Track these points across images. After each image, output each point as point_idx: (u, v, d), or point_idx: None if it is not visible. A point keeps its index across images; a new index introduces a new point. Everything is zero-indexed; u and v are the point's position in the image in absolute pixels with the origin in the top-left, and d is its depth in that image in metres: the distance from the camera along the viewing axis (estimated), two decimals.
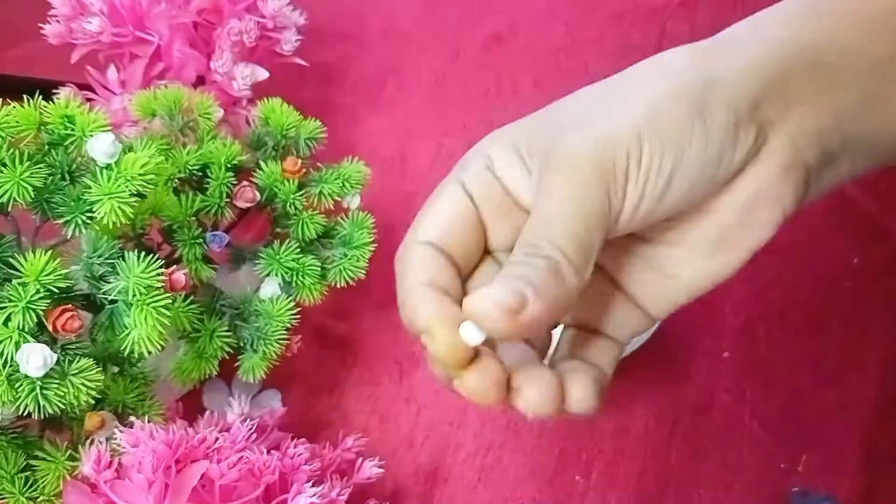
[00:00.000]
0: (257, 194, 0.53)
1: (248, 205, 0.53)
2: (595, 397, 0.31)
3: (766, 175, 0.32)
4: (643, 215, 0.31)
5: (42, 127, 0.44)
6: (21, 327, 0.40)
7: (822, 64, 0.32)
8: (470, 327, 0.28)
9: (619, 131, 0.30)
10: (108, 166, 0.43)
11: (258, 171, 0.53)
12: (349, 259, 0.54)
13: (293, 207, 0.53)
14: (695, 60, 0.32)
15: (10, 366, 0.40)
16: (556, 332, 0.35)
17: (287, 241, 0.53)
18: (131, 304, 0.43)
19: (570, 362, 0.33)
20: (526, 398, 0.29)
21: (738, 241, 0.33)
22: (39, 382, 0.41)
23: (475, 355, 0.29)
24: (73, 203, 0.44)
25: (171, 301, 0.43)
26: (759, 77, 0.31)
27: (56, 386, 0.41)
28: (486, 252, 0.34)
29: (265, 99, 0.56)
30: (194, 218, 0.52)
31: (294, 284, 0.53)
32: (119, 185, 0.43)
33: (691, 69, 0.31)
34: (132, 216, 0.43)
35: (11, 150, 0.42)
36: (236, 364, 0.52)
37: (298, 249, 0.53)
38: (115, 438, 0.44)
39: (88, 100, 0.58)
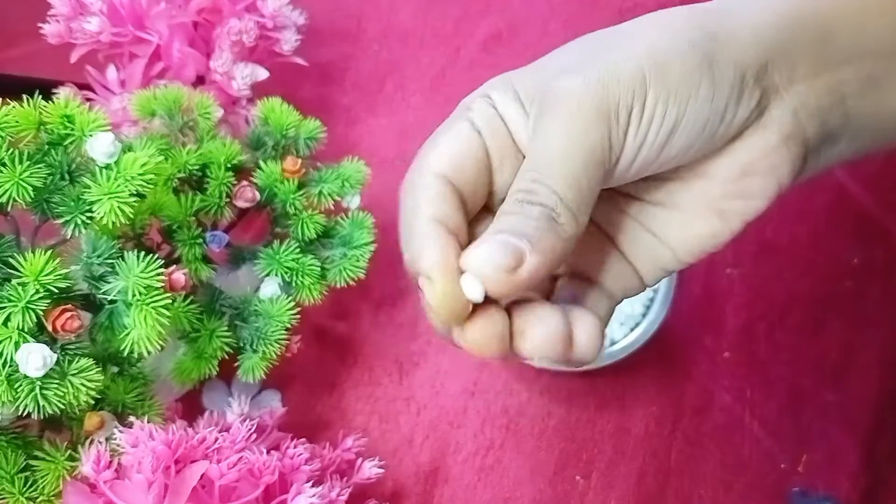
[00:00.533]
0: (257, 194, 0.53)
1: (248, 205, 0.53)
2: (600, 341, 0.30)
3: (765, 143, 0.31)
4: (641, 164, 0.30)
5: (41, 127, 0.44)
6: (20, 327, 0.40)
7: (829, 40, 0.32)
8: (472, 281, 0.27)
9: (624, 70, 0.29)
10: (107, 166, 0.43)
11: (258, 170, 0.53)
12: (349, 259, 0.54)
13: (293, 207, 0.53)
14: (698, 17, 0.31)
15: (10, 366, 0.40)
16: None
17: (287, 241, 0.53)
18: (131, 304, 0.43)
19: (569, 308, 0.31)
20: (532, 338, 0.29)
21: (730, 208, 0.32)
22: (39, 382, 0.41)
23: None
24: (72, 203, 0.43)
25: (170, 301, 0.43)
26: (767, 39, 0.31)
27: (56, 386, 0.41)
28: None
29: (265, 98, 0.56)
30: (194, 218, 0.52)
31: (294, 284, 0.53)
32: (119, 185, 0.43)
33: (695, 25, 0.31)
34: (132, 216, 0.43)
35: (11, 150, 0.42)
36: (236, 364, 0.52)
37: (298, 249, 0.53)
38: (115, 438, 0.44)
39: (88, 99, 0.58)
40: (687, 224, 0.33)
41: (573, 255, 0.32)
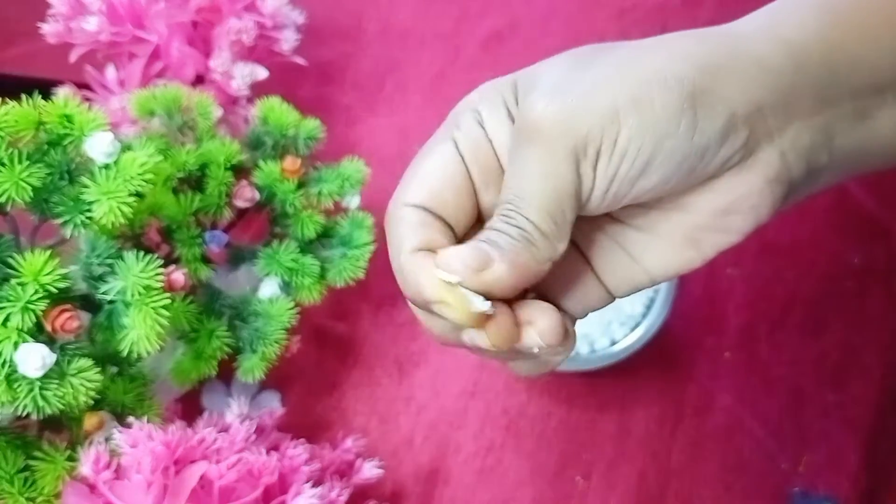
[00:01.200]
0: (256, 194, 0.52)
1: (247, 204, 0.53)
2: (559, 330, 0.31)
3: (748, 186, 0.31)
4: (614, 196, 0.30)
5: (40, 126, 0.44)
6: (20, 327, 0.40)
7: (832, 76, 0.32)
8: (474, 296, 0.29)
9: (596, 105, 0.29)
10: (106, 166, 0.43)
11: (257, 170, 0.53)
12: (348, 259, 0.54)
13: (292, 207, 0.53)
14: (701, 47, 0.31)
15: (9, 366, 0.40)
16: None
17: (286, 240, 0.53)
18: (130, 304, 0.43)
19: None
20: (542, 327, 0.30)
21: (706, 240, 0.32)
22: (38, 383, 0.41)
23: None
24: (71, 203, 0.43)
25: (169, 301, 0.43)
26: (770, 77, 0.31)
27: (55, 386, 0.41)
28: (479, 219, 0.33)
29: (264, 98, 0.56)
30: (193, 217, 0.52)
31: (293, 284, 0.53)
32: (118, 185, 0.43)
33: (696, 57, 0.30)
34: (131, 216, 0.43)
35: (10, 150, 0.42)
36: (235, 364, 0.52)
37: (298, 249, 0.53)
38: (114, 439, 0.44)
39: (87, 99, 0.58)
40: (663, 250, 0.33)
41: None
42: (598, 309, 0.35)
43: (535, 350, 0.30)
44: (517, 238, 0.29)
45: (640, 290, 0.34)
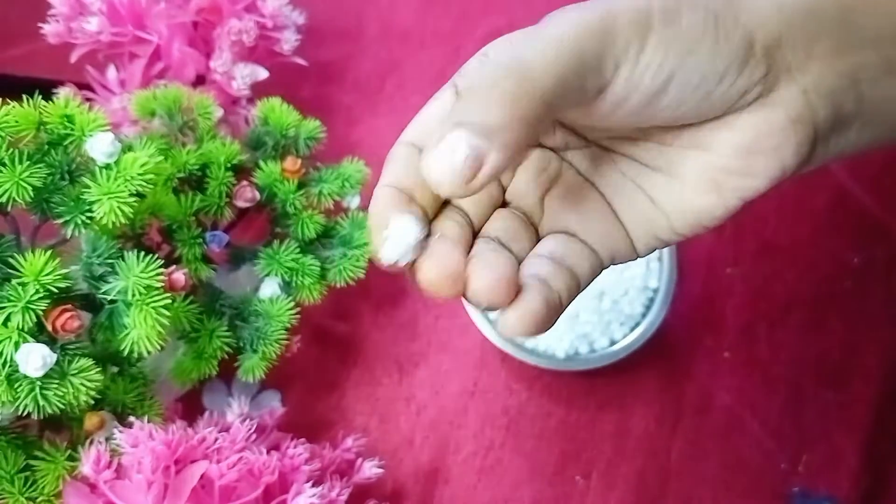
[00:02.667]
0: (257, 194, 0.53)
1: (248, 204, 0.53)
2: (533, 323, 0.29)
3: (771, 122, 0.30)
4: (629, 110, 0.29)
5: (41, 126, 0.44)
6: (20, 327, 0.40)
7: (850, 21, 0.31)
8: (392, 249, 0.29)
9: (628, 7, 0.28)
10: (107, 166, 0.43)
11: (258, 170, 0.53)
12: (349, 259, 0.54)
13: (293, 207, 0.53)
14: None
15: (10, 366, 0.40)
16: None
17: (287, 240, 0.53)
18: (131, 304, 0.43)
19: (542, 263, 0.31)
20: (472, 285, 0.28)
21: (729, 184, 0.31)
22: (39, 382, 0.41)
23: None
24: (72, 203, 0.44)
25: (170, 301, 0.43)
26: (785, 14, 0.30)
27: (55, 386, 0.41)
28: None
29: (265, 98, 0.56)
30: (194, 218, 0.52)
31: (294, 284, 0.53)
32: (118, 185, 0.43)
33: None
34: (131, 216, 0.43)
35: (11, 150, 0.42)
36: (236, 364, 0.52)
37: (298, 249, 0.53)
38: (115, 438, 0.44)
39: (88, 99, 0.58)
40: (684, 194, 0.32)
41: (562, 212, 0.32)
42: (622, 262, 0.33)
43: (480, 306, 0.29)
44: (504, 101, 0.26)
45: (661, 244, 0.33)
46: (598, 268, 0.33)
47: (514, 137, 0.26)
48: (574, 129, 0.34)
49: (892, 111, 0.33)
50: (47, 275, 0.41)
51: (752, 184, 0.31)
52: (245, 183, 0.53)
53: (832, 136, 0.32)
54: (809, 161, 0.32)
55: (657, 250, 0.51)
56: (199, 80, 0.60)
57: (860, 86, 0.31)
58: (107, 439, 0.46)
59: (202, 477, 0.43)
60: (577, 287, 0.32)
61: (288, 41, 0.60)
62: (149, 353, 0.43)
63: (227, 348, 0.51)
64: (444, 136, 0.26)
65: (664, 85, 0.29)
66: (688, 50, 0.29)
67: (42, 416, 0.42)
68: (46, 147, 0.44)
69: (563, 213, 0.33)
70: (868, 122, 0.33)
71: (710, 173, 0.31)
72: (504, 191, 0.34)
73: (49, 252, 0.42)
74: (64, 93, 0.58)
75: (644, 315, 0.57)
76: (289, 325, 0.52)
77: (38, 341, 0.41)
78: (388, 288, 0.62)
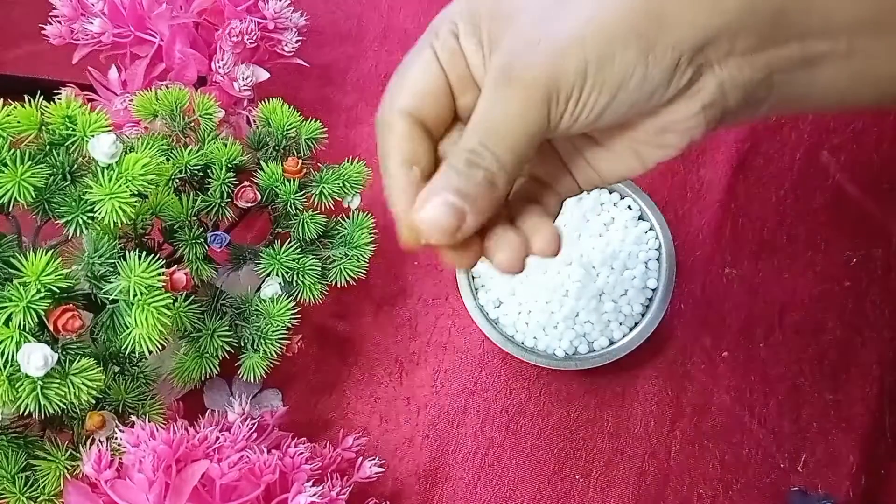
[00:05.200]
0: (258, 194, 0.53)
1: (249, 205, 0.53)
2: (558, 240, 0.36)
3: (686, 111, 0.34)
4: (575, 131, 0.35)
5: (43, 127, 0.44)
6: (22, 327, 0.40)
7: (779, 19, 0.33)
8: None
9: (569, 60, 0.33)
10: (109, 166, 0.43)
11: (259, 171, 0.54)
12: (349, 259, 0.54)
13: (294, 207, 0.53)
14: None
15: (11, 365, 0.40)
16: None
17: (287, 241, 0.53)
18: (132, 304, 0.43)
19: (526, 207, 0.38)
20: (499, 259, 0.35)
21: (647, 154, 0.37)
22: (40, 382, 0.41)
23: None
24: (74, 203, 0.44)
25: (171, 301, 0.44)
26: (713, 20, 0.33)
27: (57, 385, 0.41)
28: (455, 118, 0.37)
29: (266, 99, 0.56)
30: (195, 218, 0.52)
31: (294, 284, 0.53)
32: (120, 186, 0.43)
33: (647, 9, 0.33)
34: (133, 216, 0.43)
35: (13, 151, 0.42)
36: (237, 363, 0.53)
37: (299, 249, 0.53)
38: (116, 438, 0.44)
39: (90, 100, 0.58)
40: (612, 160, 0.38)
41: (536, 166, 0.39)
42: (574, 195, 0.40)
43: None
44: (482, 182, 0.33)
45: (598, 187, 0.40)
46: (560, 202, 0.40)
47: (486, 204, 0.34)
48: None
49: (801, 99, 0.36)
50: (49, 275, 0.41)
51: (666, 153, 0.37)
52: (246, 183, 0.53)
53: (740, 112, 0.35)
54: (716, 129, 0.36)
55: (655, 252, 0.59)
56: (201, 81, 0.60)
57: (773, 76, 0.34)
58: (108, 439, 0.46)
59: (203, 476, 0.43)
60: (552, 216, 0.39)
61: (289, 42, 0.60)
62: (150, 352, 0.43)
63: (228, 348, 0.51)
64: (432, 199, 0.33)
65: (601, 114, 0.34)
66: (619, 87, 0.33)
67: (43, 416, 0.42)
68: (48, 147, 0.44)
69: (538, 166, 0.39)
70: (776, 105, 0.36)
71: (634, 145, 0.37)
72: None
73: (51, 252, 0.42)
74: (66, 94, 0.58)
75: (643, 315, 0.57)
76: (289, 325, 0.52)
77: (39, 341, 0.41)
78: (388, 288, 0.62)
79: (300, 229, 0.53)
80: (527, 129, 0.33)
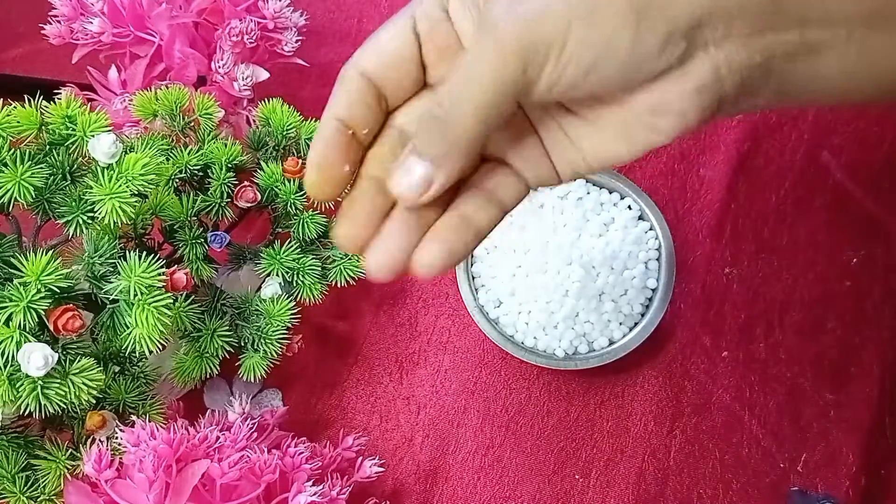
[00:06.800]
0: (258, 194, 0.53)
1: (249, 205, 0.53)
2: (434, 267, 0.34)
3: (679, 90, 0.33)
4: (556, 94, 0.33)
5: (43, 127, 0.44)
6: (22, 327, 0.40)
7: (778, 4, 0.33)
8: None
9: (551, 17, 0.31)
10: (109, 166, 0.43)
11: (259, 171, 0.54)
12: (349, 259, 0.54)
13: (293, 207, 0.53)
14: None
15: (12, 365, 0.40)
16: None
17: (287, 241, 0.53)
18: (132, 304, 0.43)
19: (465, 202, 0.36)
20: (368, 262, 0.34)
21: (636, 136, 0.35)
22: (40, 382, 0.41)
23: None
24: (74, 203, 0.44)
25: (172, 301, 0.44)
26: (765, 16, 0.32)
27: (57, 385, 0.41)
28: (425, 84, 0.37)
29: (266, 99, 0.56)
30: (195, 218, 0.52)
31: (294, 284, 0.53)
32: (120, 185, 0.43)
33: None
34: (133, 216, 0.43)
35: (13, 150, 0.42)
36: (237, 363, 0.53)
37: (299, 249, 0.53)
38: (116, 437, 0.44)
39: (89, 100, 0.58)
40: (599, 140, 0.36)
41: (506, 144, 0.37)
42: (547, 185, 0.37)
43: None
44: (448, 143, 0.32)
45: (577, 175, 0.37)
46: (525, 192, 0.37)
47: (455, 164, 0.33)
48: None
49: (802, 89, 0.35)
50: (49, 275, 0.41)
51: (657, 138, 0.34)
52: (246, 183, 0.53)
53: (740, 100, 0.34)
54: (713, 119, 0.35)
55: (655, 252, 0.58)
56: (201, 81, 0.60)
57: (772, 62, 0.33)
58: (108, 438, 0.46)
59: (203, 476, 0.43)
60: (502, 214, 0.36)
61: (289, 42, 0.60)
62: (150, 352, 0.43)
63: (228, 348, 0.51)
64: (405, 162, 0.33)
65: (584, 75, 0.32)
66: (606, 45, 0.31)
67: (43, 416, 0.42)
68: (48, 147, 0.44)
69: (503, 143, 0.37)
70: (777, 92, 0.35)
71: (623, 126, 0.35)
72: None
73: (51, 252, 0.42)
74: (65, 94, 0.58)
75: (643, 315, 0.57)
76: (289, 325, 0.52)
77: (39, 341, 0.41)
78: (388, 287, 0.62)
79: (300, 229, 0.53)
80: (499, 81, 0.32)
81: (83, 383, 0.42)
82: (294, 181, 0.53)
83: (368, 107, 0.36)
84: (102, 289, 0.44)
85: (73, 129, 0.44)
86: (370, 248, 0.35)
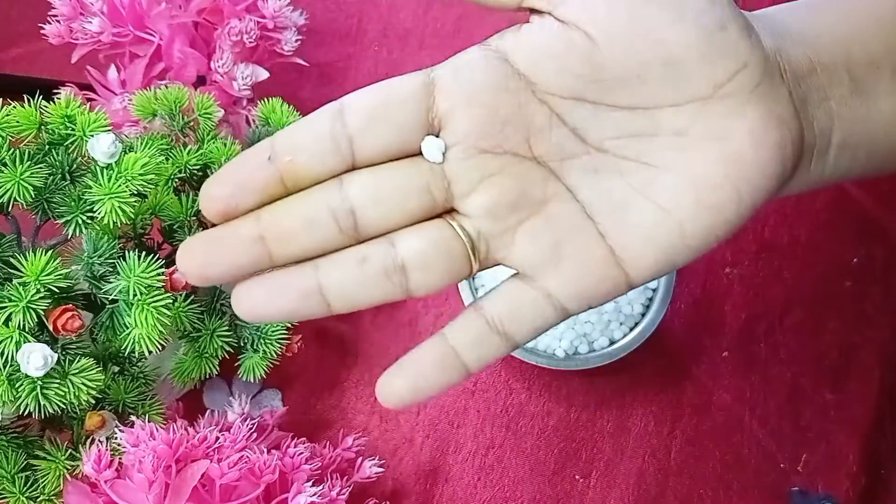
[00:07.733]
0: None
1: None
2: (401, 403, 0.31)
3: (767, 117, 0.29)
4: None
5: (42, 127, 0.44)
6: (21, 327, 0.40)
7: (818, 45, 0.33)
8: None
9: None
10: (108, 166, 0.43)
11: None
12: None
13: None
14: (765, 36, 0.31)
15: (11, 365, 0.40)
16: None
17: None
18: (132, 304, 0.43)
19: (471, 330, 0.30)
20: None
21: (745, 175, 0.28)
22: (40, 382, 0.41)
23: None
24: (73, 203, 0.44)
25: (171, 301, 0.44)
26: (812, 54, 0.32)
27: (56, 385, 0.41)
28: None
29: (265, 99, 0.56)
30: (195, 218, 0.52)
31: None
32: (119, 185, 0.43)
33: (766, 39, 0.31)
34: (133, 216, 0.43)
35: (12, 150, 0.42)
36: (237, 363, 0.53)
37: None
38: (116, 438, 0.44)
39: (89, 100, 0.58)
40: (696, 190, 0.28)
41: (519, 238, 0.28)
42: (605, 301, 0.30)
43: None
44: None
45: (662, 264, 0.27)
46: (556, 320, 0.29)
47: None
48: (574, 126, 0.30)
49: (869, 132, 0.33)
50: (48, 275, 0.41)
51: (763, 184, 0.29)
52: None
53: (816, 155, 0.32)
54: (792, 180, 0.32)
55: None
56: (200, 81, 0.60)
57: (830, 102, 0.32)
58: (108, 439, 0.46)
59: (203, 476, 0.43)
60: (510, 349, 0.30)
61: (289, 42, 0.60)
62: (150, 352, 0.43)
63: (227, 348, 0.51)
64: None
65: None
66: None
67: (43, 416, 0.42)
68: (47, 147, 0.44)
69: (520, 240, 0.28)
70: (847, 142, 0.33)
71: (724, 165, 0.27)
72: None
73: (50, 252, 0.42)
74: (65, 93, 0.58)
75: (643, 315, 0.57)
76: (289, 325, 0.52)
77: (39, 341, 0.41)
78: None
79: None
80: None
81: (83, 383, 0.42)
82: None
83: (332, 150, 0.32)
84: (102, 289, 0.44)
85: (73, 129, 0.44)
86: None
